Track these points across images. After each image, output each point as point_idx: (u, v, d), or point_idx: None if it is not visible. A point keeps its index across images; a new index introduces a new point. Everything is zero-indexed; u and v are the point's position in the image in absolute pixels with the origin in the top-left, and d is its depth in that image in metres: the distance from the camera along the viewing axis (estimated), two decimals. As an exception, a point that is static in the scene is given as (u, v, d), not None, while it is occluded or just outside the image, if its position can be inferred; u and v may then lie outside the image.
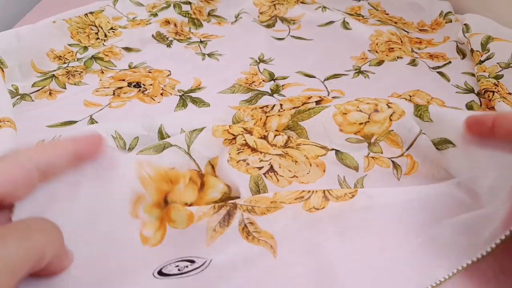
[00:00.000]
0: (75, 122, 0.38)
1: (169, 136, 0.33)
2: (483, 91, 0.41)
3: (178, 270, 0.24)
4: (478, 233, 0.25)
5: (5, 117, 0.35)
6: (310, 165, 0.30)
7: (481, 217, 0.25)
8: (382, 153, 0.32)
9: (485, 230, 0.25)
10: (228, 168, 0.29)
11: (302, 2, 0.61)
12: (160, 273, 0.24)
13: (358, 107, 0.33)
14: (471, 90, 0.43)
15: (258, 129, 0.32)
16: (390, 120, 0.33)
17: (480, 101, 0.41)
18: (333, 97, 0.41)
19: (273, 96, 0.42)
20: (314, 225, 0.26)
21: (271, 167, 0.30)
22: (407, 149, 0.32)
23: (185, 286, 0.23)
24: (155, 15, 0.56)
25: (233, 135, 0.31)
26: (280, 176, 0.30)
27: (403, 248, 0.26)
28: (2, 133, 0.33)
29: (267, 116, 0.33)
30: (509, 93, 0.40)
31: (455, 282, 0.26)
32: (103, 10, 0.54)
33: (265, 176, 0.29)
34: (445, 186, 0.29)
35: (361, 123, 0.33)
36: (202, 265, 0.24)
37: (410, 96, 0.41)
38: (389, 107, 0.33)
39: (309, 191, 0.27)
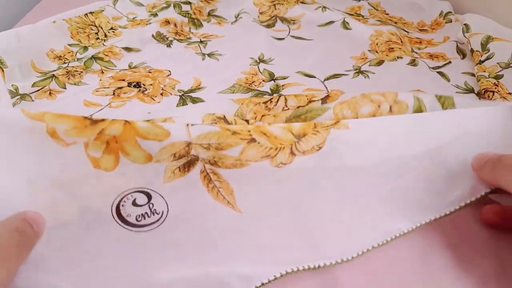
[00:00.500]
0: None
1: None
2: (483, 91, 0.41)
3: (136, 220, 0.24)
4: (445, 193, 0.27)
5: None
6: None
7: (450, 179, 0.27)
8: None
9: (453, 192, 0.27)
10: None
11: (302, 2, 0.60)
12: (119, 214, 0.24)
13: (357, 113, 0.32)
14: (471, 90, 0.43)
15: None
16: None
17: (480, 101, 0.41)
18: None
19: (273, 96, 0.42)
20: (283, 180, 0.26)
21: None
22: None
23: (141, 239, 0.24)
24: (155, 15, 0.56)
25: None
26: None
27: (373, 194, 0.27)
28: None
29: (262, 116, 0.33)
30: (509, 93, 0.40)
31: (455, 281, 0.26)
32: (103, 10, 0.54)
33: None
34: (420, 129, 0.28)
35: None
36: (158, 220, 0.24)
37: (410, 96, 0.41)
38: (390, 110, 0.32)
39: (276, 148, 0.26)
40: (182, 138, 0.25)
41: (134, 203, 0.24)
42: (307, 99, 0.37)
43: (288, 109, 0.35)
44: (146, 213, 0.24)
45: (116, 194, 0.24)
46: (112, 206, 0.24)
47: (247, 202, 0.26)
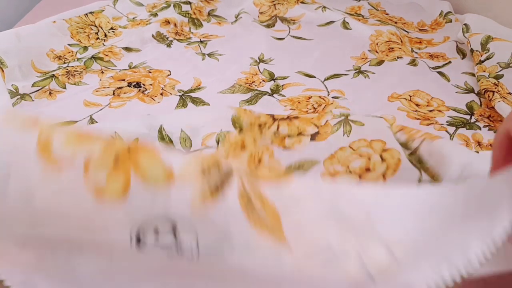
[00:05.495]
0: (75, 122, 0.38)
1: (168, 136, 0.33)
2: (483, 91, 0.41)
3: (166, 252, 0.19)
4: None
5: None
6: None
7: None
8: None
9: None
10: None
11: (302, 2, 0.60)
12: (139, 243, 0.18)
13: (348, 166, 0.31)
14: (471, 90, 0.43)
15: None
16: (384, 177, 0.31)
17: (480, 101, 0.41)
18: (333, 97, 0.41)
19: (273, 96, 0.42)
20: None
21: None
22: None
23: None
24: (155, 15, 0.56)
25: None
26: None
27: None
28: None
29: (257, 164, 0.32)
30: (509, 93, 0.40)
31: None
32: (103, 10, 0.54)
33: None
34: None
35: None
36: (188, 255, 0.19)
37: (410, 96, 0.41)
38: (382, 159, 0.31)
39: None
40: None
41: (156, 231, 0.19)
42: (298, 130, 0.35)
43: (280, 134, 0.35)
44: (174, 244, 0.18)
45: (131, 224, 0.18)
46: (131, 236, 0.19)
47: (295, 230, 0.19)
